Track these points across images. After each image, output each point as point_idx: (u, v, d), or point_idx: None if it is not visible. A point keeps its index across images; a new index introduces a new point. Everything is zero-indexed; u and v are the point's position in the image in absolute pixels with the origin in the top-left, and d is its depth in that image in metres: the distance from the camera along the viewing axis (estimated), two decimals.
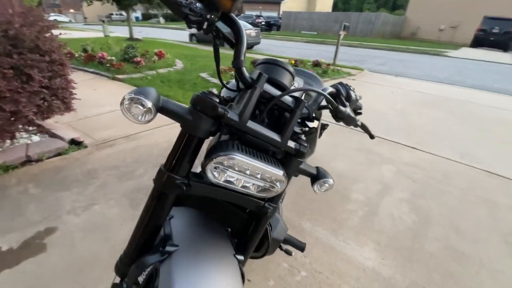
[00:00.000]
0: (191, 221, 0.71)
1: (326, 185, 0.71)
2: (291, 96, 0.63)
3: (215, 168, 0.53)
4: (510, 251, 1.50)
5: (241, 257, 0.67)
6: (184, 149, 0.55)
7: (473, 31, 16.88)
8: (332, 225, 1.61)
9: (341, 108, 0.69)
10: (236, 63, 0.55)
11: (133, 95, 0.46)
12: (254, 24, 13.71)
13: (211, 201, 0.77)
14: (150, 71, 4.84)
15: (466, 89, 5.86)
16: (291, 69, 0.66)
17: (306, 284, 1.23)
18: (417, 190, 2.03)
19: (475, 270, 1.36)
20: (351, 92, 0.76)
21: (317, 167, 0.73)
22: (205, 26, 0.50)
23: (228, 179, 0.56)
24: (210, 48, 9.97)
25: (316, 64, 6.33)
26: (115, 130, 2.61)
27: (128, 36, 10.20)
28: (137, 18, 34.37)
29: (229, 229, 0.78)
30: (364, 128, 0.82)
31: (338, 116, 0.71)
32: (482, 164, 2.47)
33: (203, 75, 4.97)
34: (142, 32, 15.29)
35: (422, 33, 21.09)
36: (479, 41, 16.46)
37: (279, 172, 0.58)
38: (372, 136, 0.88)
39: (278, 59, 0.65)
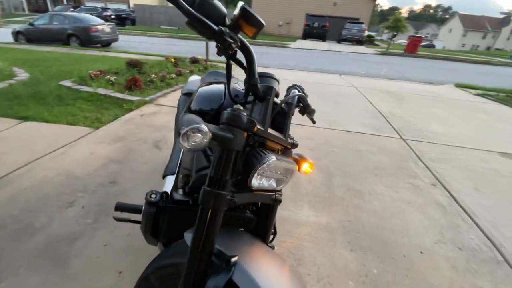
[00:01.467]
0: None
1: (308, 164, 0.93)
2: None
3: (258, 175, 0.63)
4: (378, 179, 2.29)
5: (272, 245, 0.79)
6: (226, 165, 0.60)
7: (302, 26, 21.52)
8: None
9: (309, 104, 0.91)
10: (253, 81, 0.65)
11: (186, 128, 0.48)
12: (103, 18, 11.85)
13: None
14: None
15: (312, 73, 7.61)
16: (277, 77, 0.80)
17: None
18: (315, 155, 2.64)
19: (368, 198, 2.01)
20: (304, 91, 0.99)
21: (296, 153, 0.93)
22: (232, 51, 0.57)
23: (262, 181, 0.67)
24: (50, 49, 7.92)
25: (194, 61, 6.38)
26: None
27: None
28: None
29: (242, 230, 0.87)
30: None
31: (306, 111, 0.93)
32: (342, 126, 3.45)
33: (66, 83, 4.01)
34: None
35: (267, 29, 24.80)
36: (307, 34, 21.27)
37: (293, 164, 0.74)
38: (314, 121, 1.16)
39: (266, 71, 0.78)
